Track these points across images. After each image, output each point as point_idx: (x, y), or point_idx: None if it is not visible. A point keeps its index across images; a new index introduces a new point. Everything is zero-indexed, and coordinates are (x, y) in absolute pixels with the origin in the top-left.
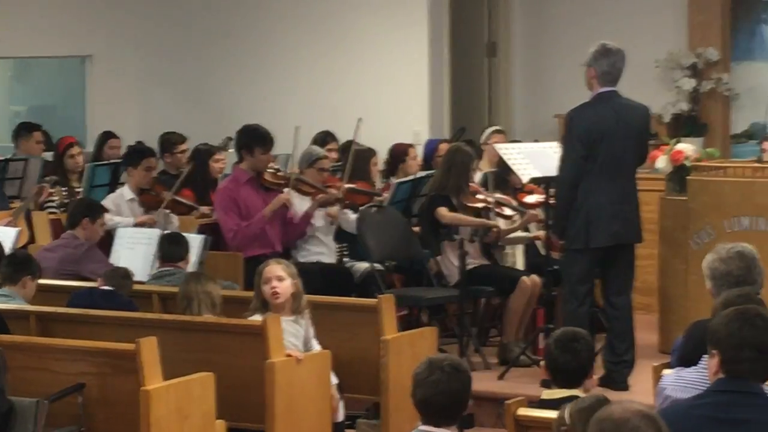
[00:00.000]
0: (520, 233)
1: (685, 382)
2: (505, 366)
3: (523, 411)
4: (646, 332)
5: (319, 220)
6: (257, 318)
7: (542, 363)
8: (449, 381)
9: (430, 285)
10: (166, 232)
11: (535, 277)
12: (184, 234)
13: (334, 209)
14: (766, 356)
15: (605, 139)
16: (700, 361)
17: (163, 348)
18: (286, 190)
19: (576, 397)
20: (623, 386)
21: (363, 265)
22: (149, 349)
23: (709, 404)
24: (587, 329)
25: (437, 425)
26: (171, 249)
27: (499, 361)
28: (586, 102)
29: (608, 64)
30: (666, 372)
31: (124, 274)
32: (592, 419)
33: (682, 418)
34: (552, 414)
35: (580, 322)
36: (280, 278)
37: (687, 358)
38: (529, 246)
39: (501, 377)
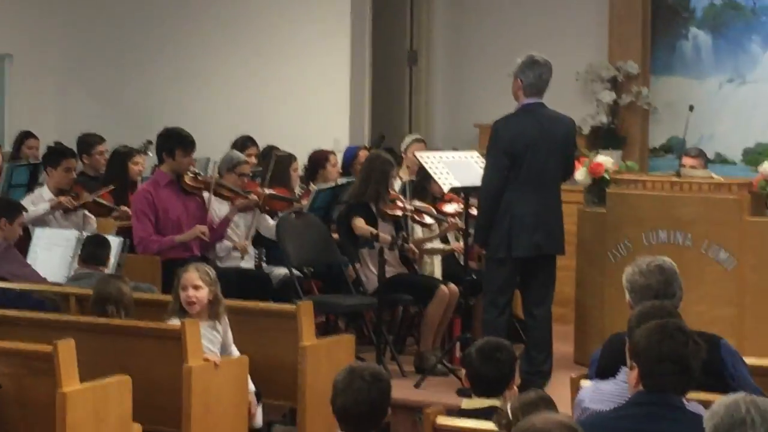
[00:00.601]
0: (438, 244)
1: (602, 394)
2: (421, 374)
3: (443, 420)
4: (561, 343)
5: (240, 226)
6: (175, 322)
7: (462, 372)
8: (369, 390)
9: (347, 292)
10: (86, 233)
11: (452, 286)
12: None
13: (243, 243)
14: (685, 369)
15: (529, 150)
16: (617, 374)
17: (80, 350)
18: (205, 194)
19: (496, 408)
20: None
21: (281, 271)
22: (66, 351)
23: (629, 416)
24: (505, 339)
25: None
26: (94, 251)
27: (415, 369)
28: (511, 113)
29: (534, 75)
30: (584, 384)
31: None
32: (515, 429)
33: (601, 430)
34: (471, 423)
35: (499, 332)
36: (197, 287)
37: (604, 370)
38: (447, 255)
39: (417, 385)
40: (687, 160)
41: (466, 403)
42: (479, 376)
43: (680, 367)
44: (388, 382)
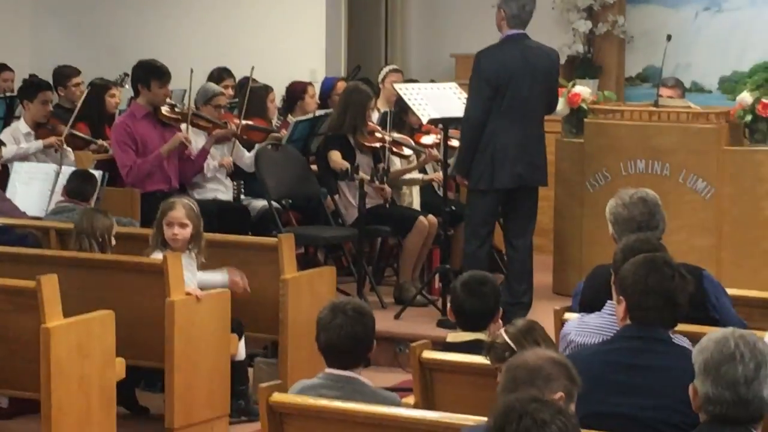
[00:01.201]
0: (416, 174)
1: (588, 327)
2: (402, 305)
3: (428, 354)
4: (540, 273)
5: (216, 158)
6: (157, 256)
7: (441, 303)
8: (353, 324)
9: (327, 223)
10: (65, 166)
11: (431, 217)
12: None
13: (228, 159)
14: (671, 303)
15: (512, 81)
16: (604, 307)
17: (62, 285)
18: (183, 125)
19: (481, 341)
20: None
21: (260, 203)
22: (50, 286)
23: (616, 350)
24: (486, 270)
25: (343, 368)
26: (80, 186)
27: (395, 300)
28: (494, 44)
29: (518, 6)
30: (568, 316)
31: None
32: (506, 365)
33: (589, 363)
34: (457, 357)
35: (480, 264)
36: (183, 224)
37: (588, 303)
38: (425, 186)
39: (397, 317)
40: (664, 91)
41: (452, 336)
42: (464, 310)
43: (667, 300)
44: (371, 316)
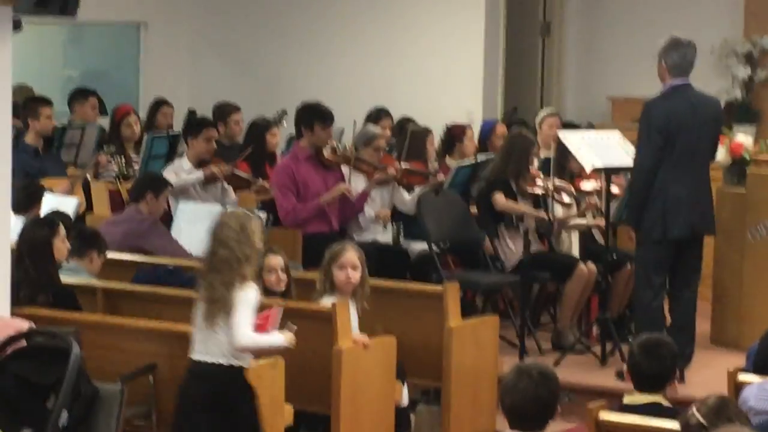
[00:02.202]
0: (578, 220)
1: None
2: (560, 352)
3: (606, 415)
4: (697, 320)
5: (375, 200)
6: (326, 301)
7: (605, 352)
8: (537, 388)
9: (485, 268)
10: (228, 207)
11: (591, 265)
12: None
13: (385, 211)
14: None
15: (682, 130)
16: None
17: None
18: (344, 168)
19: (659, 404)
20: (679, 380)
21: (419, 245)
22: None
23: None
24: (661, 322)
25: (524, 431)
26: None
27: (552, 346)
28: (661, 94)
29: (679, 56)
30: (743, 378)
31: None
32: None
33: None
34: (633, 419)
35: (655, 317)
36: (355, 267)
37: (762, 365)
38: (584, 233)
39: (557, 364)
40: None
41: (628, 399)
42: (641, 372)
43: None
44: (555, 380)
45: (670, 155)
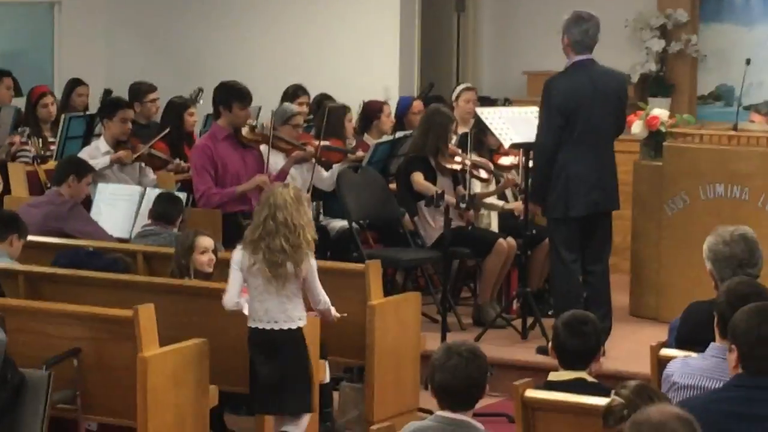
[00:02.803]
0: (497, 201)
1: (692, 369)
2: (481, 327)
3: (531, 393)
4: (615, 293)
5: (296, 179)
6: None
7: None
8: (467, 366)
9: (405, 245)
10: (148, 187)
11: (510, 240)
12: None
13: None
14: None
15: (582, 107)
16: (708, 349)
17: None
18: (263, 147)
19: (584, 380)
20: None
21: (338, 223)
22: (147, 316)
23: (729, 399)
24: (578, 297)
25: (454, 410)
26: (167, 209)
27: (473, 321)
28: (562, 71)
29: (580, 32)
30: (665, 352)
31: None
32: (630, 422)
33: (702, 412)
34: (559, 396)
35: (569, 290)
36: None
37: (684, 340)
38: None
39: (477, 339)
40: (756, 116)
41: (553, 375)
42: (566, 349)
43: None
44: (484, 358)
45: (571, 133)
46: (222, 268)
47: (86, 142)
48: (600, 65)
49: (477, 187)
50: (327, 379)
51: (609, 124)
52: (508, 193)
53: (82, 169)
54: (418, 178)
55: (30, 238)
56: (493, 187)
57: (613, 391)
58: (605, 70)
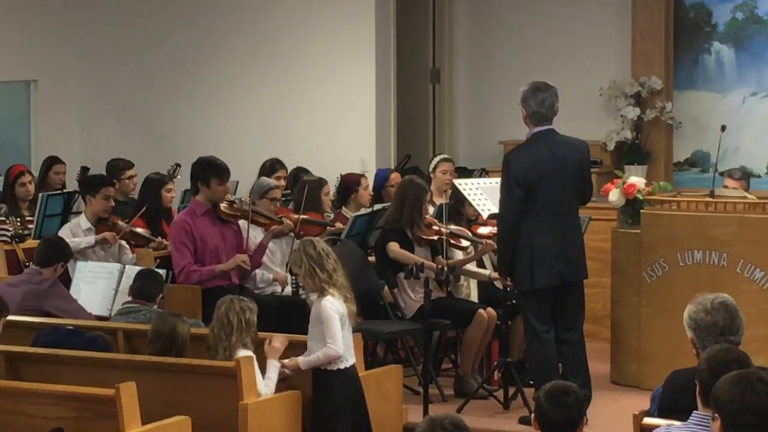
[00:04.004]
0: (475, 268)
1: None
2: (463, 398)
3: None
4: (595, 361)
5: (276, 253)
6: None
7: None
8: None
9: (385, 317)
10: (127, 265)
11: (491, 310)
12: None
13: (282, 275)
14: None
15: (542, 179)
16: (690, 418)
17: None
18: (242, 222)
19: None
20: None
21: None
22: (129, 394)
23: None
24: (553, 368)
25: None
26: (147, 286)
27: (455, 392)
28: (521, 143)
29: (536, 103)
30: (647, 422)
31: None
32: None
33: None
34: None
35: (545, 362)
36: None
37: (667, 408)
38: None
39: (460, 410)
40: (729, 182)
41: None
42: (548, 421)
43: (762, 419)
44: (467, 430)
45: (533, 205)
46: (200, 343)
47: (65, 219)
48: (560, 135)
49: (459, 255)
50: None
51: (571, 194)
52: (487, 261)
53: (68, 255)
54: (393, 246)
55: (9, 317)
56: (472, 253)
57: None
58: (565, 139)
